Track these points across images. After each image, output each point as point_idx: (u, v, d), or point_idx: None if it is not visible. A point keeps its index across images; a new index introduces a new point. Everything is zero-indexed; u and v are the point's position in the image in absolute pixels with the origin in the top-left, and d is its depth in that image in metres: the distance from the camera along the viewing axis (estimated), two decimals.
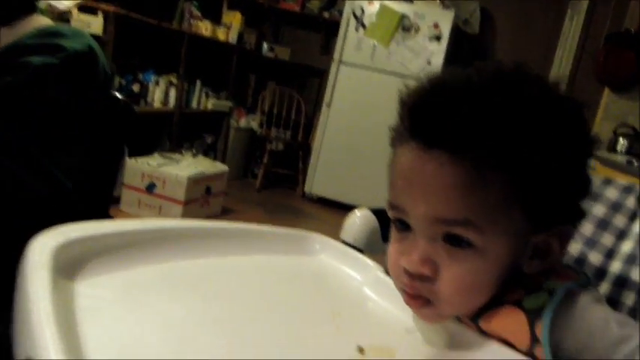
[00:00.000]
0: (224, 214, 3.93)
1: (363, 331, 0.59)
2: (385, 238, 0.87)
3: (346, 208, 4.44)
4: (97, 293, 0.54)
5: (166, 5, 4.12)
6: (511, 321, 0.58)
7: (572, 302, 0.57)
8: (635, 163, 2.80)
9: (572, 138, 0.59)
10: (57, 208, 1.16)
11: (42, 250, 0.55)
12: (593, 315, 0.57)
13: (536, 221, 0.58)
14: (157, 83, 4.03)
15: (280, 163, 5.16)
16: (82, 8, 3.19)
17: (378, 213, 0.86)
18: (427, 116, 0.56)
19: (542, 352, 0.55)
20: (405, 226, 0.59)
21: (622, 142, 3.39)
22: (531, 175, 0.55)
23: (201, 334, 0.52)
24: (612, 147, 3.41)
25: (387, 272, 0.70)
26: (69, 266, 0.56)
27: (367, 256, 0.77)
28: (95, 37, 3.06)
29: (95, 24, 3.24)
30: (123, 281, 0.59)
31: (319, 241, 0.80)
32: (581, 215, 0.66)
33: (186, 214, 3.42)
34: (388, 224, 0.76)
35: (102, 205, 1.28)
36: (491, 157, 0.53)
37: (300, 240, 0.80)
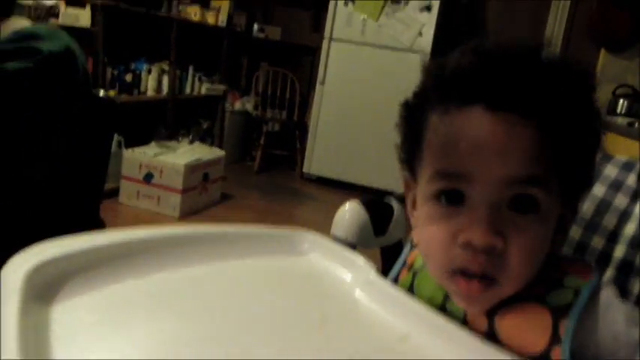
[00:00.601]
0: (223, 199, 3.91)
1: (353, 340, 0.56)
2: (377, 231, 0.85)
3: (346, 187, 4.44)
4: (74, 317, 0.52)
5: None
6: (533, 318, 0.57)
7: (594, 301, 0.56)
8: (637, 125, 2.76)
9: (595, 109, 0.60)
10: (40, 214, 1.14)
11: (15, 274, 0.53)
12: (615, 317, 0.56)
13: (566, 191, 0.58)
14: (150, 72, 3.99)
15: (277, 144, 5.12)
16: (70, 1, 3.15)
17: (368, 205, 0.84)
18: (492, 80, 0.55)
19: (559, 352, 0.54)
20: (455, 200, 0.56)
21: (622, 104, 3.33)
22: (576, 142, 0.57)
23: (184, 351, 0.51)
24: (612, 109, 3.36)
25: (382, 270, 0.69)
26: (44, 289, 0.54)
27: (359, 253, 0.75)
28: (84, 29, 3.03)
29: (83, 17, 3.20)
30: (102, 301, 0.57)
31: (308, 239, 0.78)
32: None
33: (184, 203, 3.41)
34: (379, 216, 0.73)
35: (90, 209, 1.26)
36: (551, 119, 0.54)
37: (288, 239, 0.78)
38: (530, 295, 0.58)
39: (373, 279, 0.66)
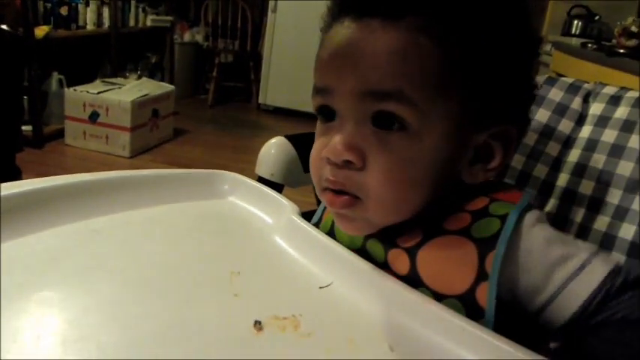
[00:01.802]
0: (176, 135, 3.79)
1: (264, 296, 0.51)
2: (306, 167, 0.79)
3: (303, 116, 4.34)
4: None
5: None
6: (457, 253, 0.51)
7: (517, 228, 0.50)
8: (590, 46, 2.71)
9: (518, 28, 0.53)
10: None
11: None
12: (536, 235, 0.50)
13: (476, 116, 0.51)
14: (87, 3, 3.74)
15: (231, 75, 4.96)
16: None
17: (296, 139, 0.77)
18: None
19: (485, 289, 0.48)
20: (329, 115, 0.52)
21: (576, 24, 3.28)
22: (472, 54, 0.49)
23: (91, 309, 0.44)
24: (566, 30, 3.30)
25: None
26: None
27: (285, 192, 0.69)
28: None
29: None
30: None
31: (229, 180, 0.71)
32: (526, 122, 0.59)
33: (135, 140, 3.29)
34: (307, 152, 0.67)
35: (6, 154, 1.15)
36: (426, 23, 0.47)
37: (207, 181, 0.71)
38: (452, 229, 0.52)
39: (294, 221, 0.60)
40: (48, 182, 0.61)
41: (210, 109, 4.71)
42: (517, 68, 0.54)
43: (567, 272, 0.49)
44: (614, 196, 0.67)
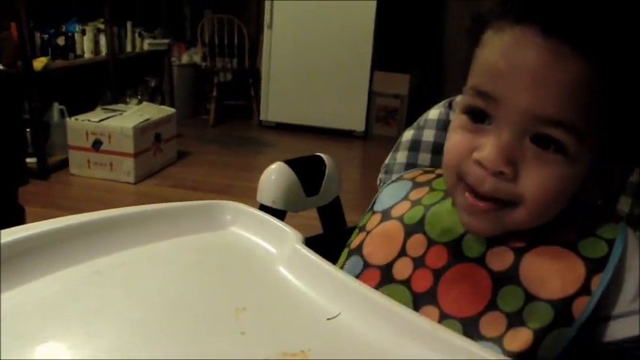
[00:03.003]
0: (180, 157, 3.80)
1: (271, 332, 0.49)
2: (307, 191, 0.78)
3: (305, 130, 4.36)
4: None
5: None
6: (562, 263, 0.55)
7: (624, 256, 0.55)
8: None
9: None
10: None
11: None
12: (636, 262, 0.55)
13: (615, 147, 0.55)
14: (83, 32, 3.76)
15: (231, 94, 4.97)
16: None
17: (296, 164, 0.76)
18: (554, 3, 0.51)
19: (584, 303, 0.53)
20: (479, 117, 0.54)
21: None
22: (633, 98, 0.52)
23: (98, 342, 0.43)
24: None
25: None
26: None
27: (288, 219, 0.68)
28: None
29: None
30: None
31: (231, 209, 0.70)
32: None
33: (139, 166, 3.30)
34: (309, 175, 0.67)
35: (5, 195, 1.15)
36: (609, 62, 0.49)
37: (208, 212, 0.70)
38: (560, 240, 0.56)
39: (299, 252, 0.59)
40: (45, 226, 0.60)
41: (212, 128, 4.72)
42: None
43: None
44: None
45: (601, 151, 0.54)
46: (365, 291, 0.52)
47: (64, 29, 3.58)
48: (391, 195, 0.70)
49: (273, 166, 0.76)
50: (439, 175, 0.69)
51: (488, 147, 0.52)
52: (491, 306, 0.55)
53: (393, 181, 0.73)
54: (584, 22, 0.49)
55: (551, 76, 0.49)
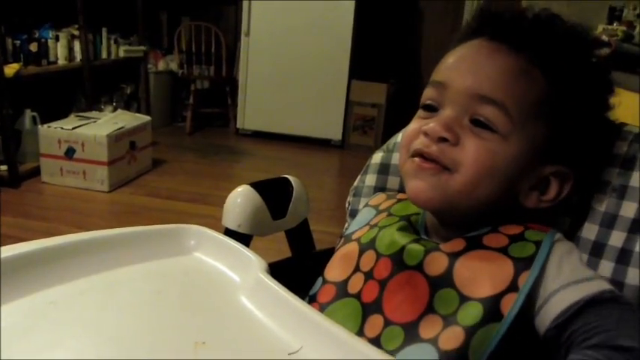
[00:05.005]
0: (156, 166, 3.76)
1: None
2: (274, 214, 0.77)
3: (282, 139, 4.35)
4: None
5: None
6: (493, 265, 0.59)
7: (552, 255, 0.58)
8: None
9: (601, 80, 0.66)
10: None
11: None
12: (563, 261, 0.58)
13: (551, 149, 0.62)
14: (57, 38, 3.70)
15: (208, 102, 4.94)
16: None
17: (262, 187, 0.75)
18: (498, 17, 0.65)
19: (511, 299, 0.56)
20: (432, 110, 0.64)
21: None
22: (566, 95, 0.61)
23: None
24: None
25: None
26: None
27: (255, 240, 0.66)
28: None
29: None
30: None
31: (195, 234, 0.69)
32: (588, 173, 0.66)
33: (113, 174, 3.25)
34: (276, 198, 0.67)
35: None
36: (541, 60, 0.61)
37: (173, 236, 0.69)
38: (492, 247, 0.60)
39: (262, 283, 0.58)
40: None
41: (189, 136, 4.69)
42: (596, 119, 0.65)
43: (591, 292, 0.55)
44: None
45: (540, 152, 0.61)
46: (326, 324, 0.51)
47: (37, 35, 3.52)
48: (357, 222, 0.76)
49: (239, 189, 0.75)
50: (400, 200, 0.74)
51: (433, 121, 0.61)
52: (429, 309, 0.60)
53: (361, 210, 0.78)
54: (521, 30, 0.63)
55: (489, 63, 0.61)
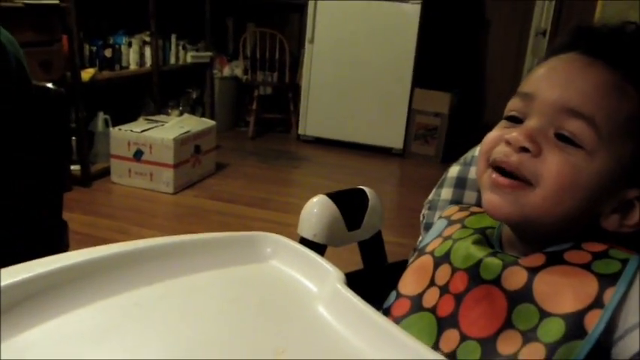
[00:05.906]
0: (218, 169, 3.84)
1: None
2: (349, 225, 0.77)
3: (343, 146, 4.35)
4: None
5: None
6: (577, 281, 0.57)
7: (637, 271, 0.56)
8: None
9: None
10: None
11: None
12: None
13: (636, 172, 0.59)
14: (130, 45, 3.85)
15: (271, 107, 5.01)
16: None
17: (338, 198, 0.75)
18: (595, 31, 0.64)
19: (596, 316, 0.54)
20: (517, 121, 0.63)
21: None
22: None
23: None
24: None
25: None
26: None
27: (329, 254, 0.67)
28: (53, 6, 2.89)
29: None
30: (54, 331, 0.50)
31: (271, 242, 0.69)
32: None
33: (178, 177, 3.34)
34: (351, 208, 0.67)
35: (50, 209, 1.17)
36: (636, 78, 0.59)
37: (249, 243, 0.70)
38: (573, 261, 0.58)
39: (340, 294, 0.58)
40: (86, 255, 0.61)
41: (251, 141, 4.76)
42: None
43: None
44: None
45: (625, 173, 0.59)
46: (405, 338, 0.51)
47: (111, 41, 3.66)
48: (430, 234, 0.76)
49: (315, 199, 0.75)
50: (473, 213, 0.73)
51: (517, 131, 0.60)
52: (507, 324, 0.58)
53: (434, 223, 0.78)
54: (617, 47, 0.61)
55: (582, 77, 0.59)
